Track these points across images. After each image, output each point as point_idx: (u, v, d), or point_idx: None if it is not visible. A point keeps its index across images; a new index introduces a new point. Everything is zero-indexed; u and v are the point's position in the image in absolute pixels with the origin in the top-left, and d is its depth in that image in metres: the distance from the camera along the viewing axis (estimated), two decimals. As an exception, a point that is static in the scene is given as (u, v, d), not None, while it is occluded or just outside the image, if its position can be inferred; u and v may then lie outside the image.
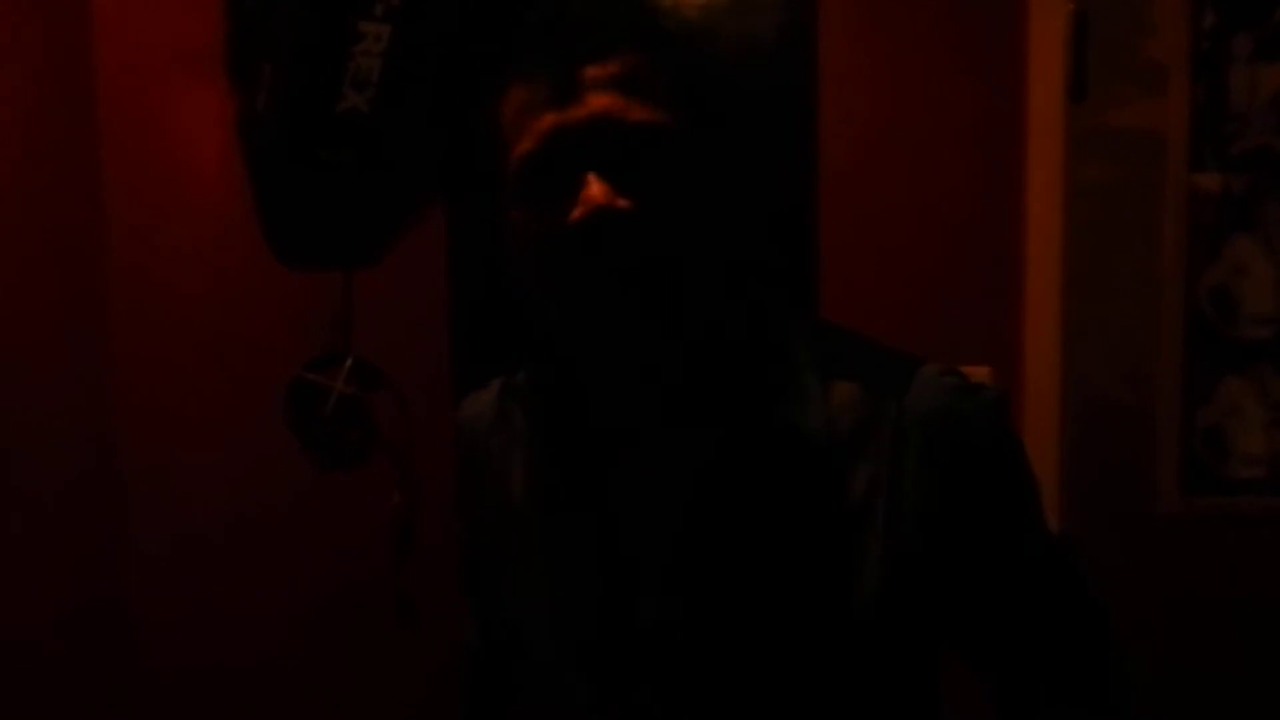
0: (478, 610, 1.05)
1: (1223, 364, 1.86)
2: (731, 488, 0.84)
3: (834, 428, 0.85)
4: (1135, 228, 1.87)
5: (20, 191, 1.85)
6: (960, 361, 1.80)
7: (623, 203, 0.77)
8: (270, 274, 1.67)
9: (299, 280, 1.68)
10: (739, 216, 0.86)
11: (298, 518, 1.97)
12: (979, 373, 1.78)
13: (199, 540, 2.01)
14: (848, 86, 1.84)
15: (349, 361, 1.71)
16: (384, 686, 2.00)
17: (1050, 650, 0.89)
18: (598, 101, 0.78)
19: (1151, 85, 1.85)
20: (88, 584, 1.99)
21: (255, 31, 1.67)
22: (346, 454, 1.73)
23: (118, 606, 2.03)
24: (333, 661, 1.99)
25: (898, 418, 0.84)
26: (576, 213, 0.77)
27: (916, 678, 0.88)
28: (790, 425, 0.85)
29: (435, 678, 1.55)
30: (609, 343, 0.84)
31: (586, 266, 0.78)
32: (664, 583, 0.85)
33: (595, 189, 0.76)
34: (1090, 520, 1.86)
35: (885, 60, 1.84)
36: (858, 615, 0.82)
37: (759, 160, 1.81)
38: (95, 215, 1.99)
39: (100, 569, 2.02)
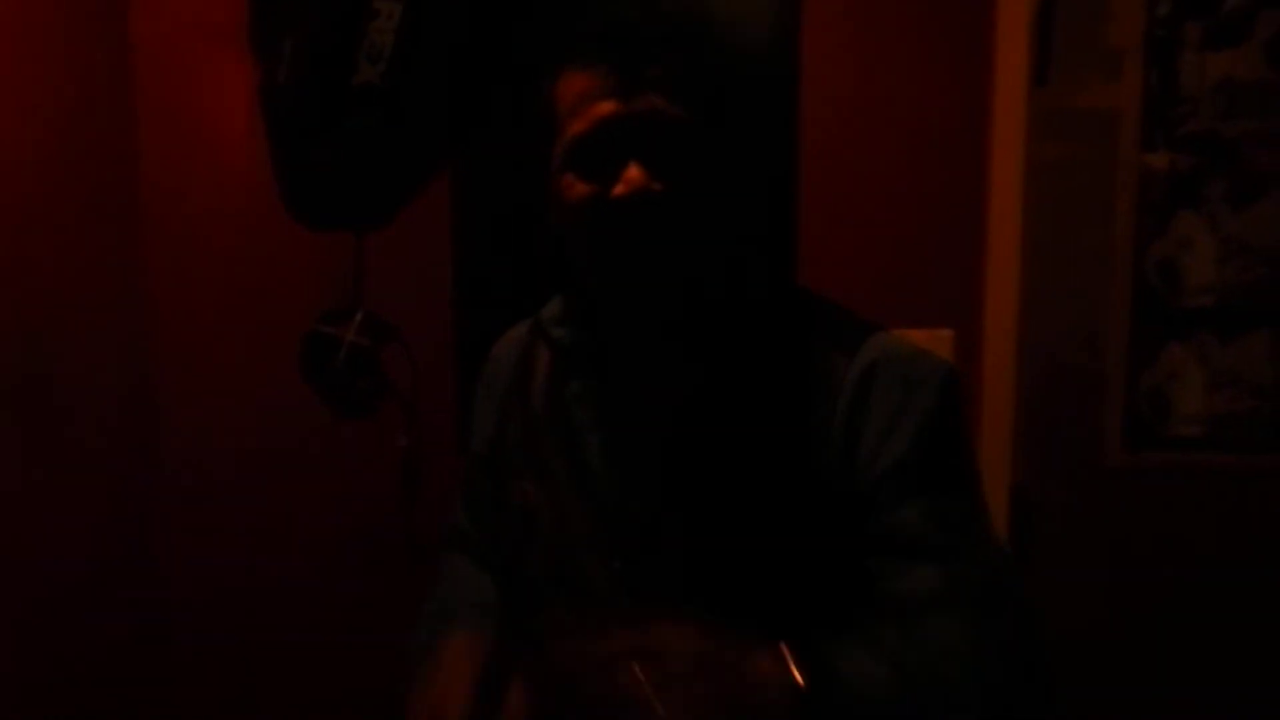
0: (488, 510, 1.17)
1: (1167, 330, 1.90)
2: (711, 409, 0.99)
3: (796, 371, 0.99)
4: (1090, 203, 1.91)
5: (63, 155, 1.91)
6: (926, 324, 1.93)
7: (656, 186, 0.92)
8: (290, 233, 1.77)
9: (317, 239, 1.79)
10: (740, 194, 1.01)
11: (315, 458, 2.03)
12: (943, 335, 1.87)
13: (224, 479, 2.08)
14: (826, 71, 1.89)
15: (359, 315, 1.82)
16: (393, 616, 2.09)
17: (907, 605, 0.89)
18: (649, 100, 0.92)
19: (1108, 70, 1.88)
20: (122, 518, 2.06)
21: (277, 8, 1.75)
22: (357, 401, 1.84)
23: (149, 538, 2.11)
24: (346, 594, 2.06)
25: (845, 371, 0.97)
26: (619, 189, 0.92)
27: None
28: (762, 365, 0.99)
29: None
30: (632, 292, 0.99)
31: (622, 235, 0.93)
32: (659, 475, 1.00)
33: (635, 173, 0.92)
34: (1042, 472, 1.93)
35: (861, 47, 1.89)
36: (808, 512, 0.95)
37: (755, 143, 1.92)
38: (131, 177, 2.05)
39: (133, 504, 2.09)
